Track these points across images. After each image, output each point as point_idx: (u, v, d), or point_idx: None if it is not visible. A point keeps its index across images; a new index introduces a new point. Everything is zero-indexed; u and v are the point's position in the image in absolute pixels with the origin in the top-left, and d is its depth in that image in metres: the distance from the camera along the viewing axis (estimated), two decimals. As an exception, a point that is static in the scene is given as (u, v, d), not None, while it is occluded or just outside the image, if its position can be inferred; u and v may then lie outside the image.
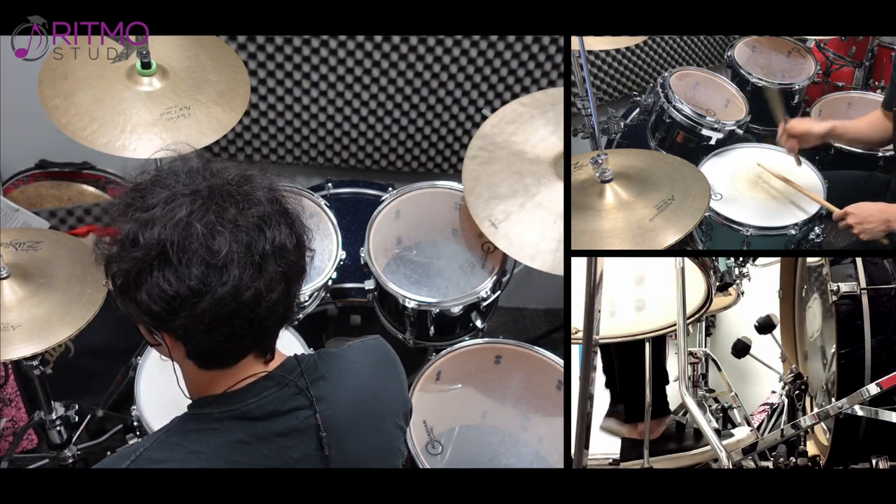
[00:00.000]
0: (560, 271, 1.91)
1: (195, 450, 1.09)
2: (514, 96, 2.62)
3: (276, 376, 1.15)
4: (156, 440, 1.12)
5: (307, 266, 1.15)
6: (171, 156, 1.16)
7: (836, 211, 1.81)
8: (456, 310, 2.14)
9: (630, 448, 1.94)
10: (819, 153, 2.18)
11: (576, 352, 1.90)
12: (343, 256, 2.20)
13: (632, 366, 1.92)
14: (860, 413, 1.59)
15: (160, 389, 1.90)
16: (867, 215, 1.75)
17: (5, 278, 1.82)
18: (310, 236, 1.15)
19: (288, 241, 1.08)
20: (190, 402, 1.17)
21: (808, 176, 1.99)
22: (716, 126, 2.17)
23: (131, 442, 2.08)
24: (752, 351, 1.94)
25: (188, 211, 1.02)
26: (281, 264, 1.07)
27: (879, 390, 1.57)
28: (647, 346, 1.86)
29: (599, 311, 1.51)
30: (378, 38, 2.47)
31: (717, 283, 1.76)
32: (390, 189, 2.48)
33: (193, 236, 1.01)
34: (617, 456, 1.97)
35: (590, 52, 2.39)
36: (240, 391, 1.12)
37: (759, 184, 1.99)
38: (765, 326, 1.88)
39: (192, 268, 1.01)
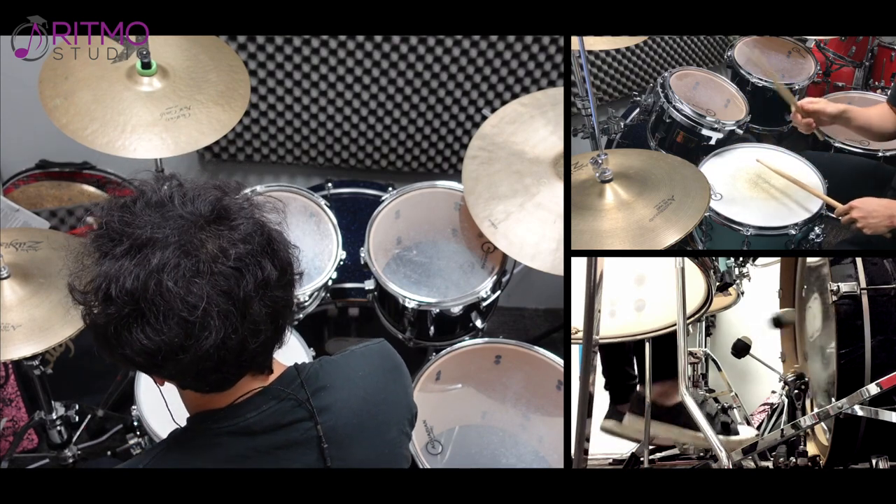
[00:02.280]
0: (560, 271, 1.91)
1: (195, 465, 1.09)
2: (514, 96, 2.62)
3: (274, 390, 1.12)
4: (155, 455, 1.11)
5: (293, 293, 1.09)
6: (143, 179, 1.07)
7: (840, 206, 1.80)
8: (456, 310, 2.14)
9: (640, 403, 1.92)
10: (819, 153, 2.18)
11: (576, 352, 1.90)
12: (343, 256, 2.20)
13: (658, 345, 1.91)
14: (860, 413, 1.59)
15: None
16: (872, 210, 1.73)
17: (5, 278, 1.82)
18: (297, 260, 1.10)
19: (272, 276, 1.02)
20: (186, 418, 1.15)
21: (808, 175, 1.99)
22: (716, 126, 2.17)
23: (131, 441, 2.09)
24: (752, 351, 1.94)
25: (159, 262, 0.95)
26: (266, 303, 1.01)
27: (879, 390, 1.57)
28: (647, 346, 1.86)
29: (599, 311, 1.51)
30: (378, 38, 2.47)
31: (717, 283, 1.76)
32: (390, 189, 2.48)
33: (166, 291, 0.95)
34: (617, 456, 1.97)
35: (590, 52, 2.39)
36: (238, 406, 1.10)
37: (759, 184, 1.99)
38: (780, 321, 1.88)
39: (169, 323, 0.95)
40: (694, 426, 1.88)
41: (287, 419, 1.11)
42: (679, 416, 1.91)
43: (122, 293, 0.96)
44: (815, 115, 1.90)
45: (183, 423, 1.15)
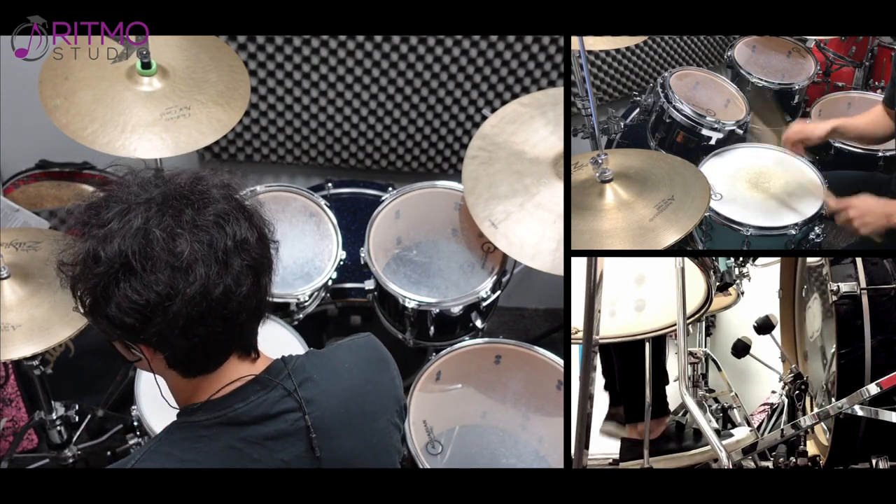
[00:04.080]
0: (560, 271, 1.91)
1: (186, 458, 1.09)
2: (514, 96, 2.62)
3: (262, 379, 1.14)
4: (146, 451, 1.11)
5: (274, 258, 1.15)
6: (120, 170, 1.15)
7: (833, 203, 1.80)
8: (456, 310, 2.14)
9: (630, 448, 1.94)
10: (819, 153, 2.18)
11: (576, 352, 1.90)
12: (343, 256, 2.20)
13: (631, 366, 1.92)
14: (860, 413, 1.59)
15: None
16: (869, 209, 1.73)
17: (5, 278, 1.82)
18: (271, 229, 1.15)
19: (249, 235, 1.08)
20: (178, 410, 1.16)
21: (808, 175, 1.99)
22: (716, 126, 2.17)
23: (131, 441, 2.09)
24: (752, 351, 1.94)
25: (144, 219, 1.02)
26: (245, 258, 1.06)
27: (879, 390, 1.57)
28: (647, 346, 1.86)
29: (599, 311, 1.51)
30: (378, 38, 2.47)
31: (717, 283, 1.76)
32: (390, 189, 2.48)
33: (153, 242, 1.01)
34: (617, 456, 1.97)
35: (590, 52, 2.39)
36: (226, 396, 1.12)
37: (759, 184, 1.99)
38: (763, 327, 1.88)
39: (157, 273, 1.00)
40: (686, 447, 1.89)
41: (275, 409, 1.13)
42: (668, 443, 1.92)
43: (111, 252, 1.00)
44: (802, 143, 1.92)
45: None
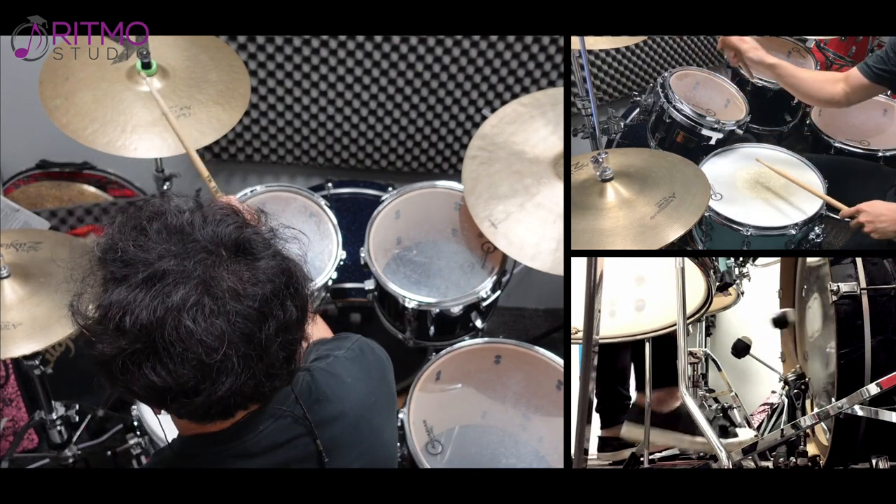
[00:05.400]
0: (560, 271, 1.91)
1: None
2: (514, 96, 2.62)
3: (270, 409, 1.08)
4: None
5: (306, 330, 1.03)
6: (159, 200, 1.01)
7: (845, 209, 1.78)
8: (456, 310, 2.14)
9: (638, 413, 1.92)
10: (819, 153, 2.18)
11: (576, 352, 1.90)
12: (343, 256, 2.20)
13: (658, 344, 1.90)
14: (860, 413, 1.59)
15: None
16: (880, 213, 1.70)
17: (6, 278, 1.83)
18: (313, 294, 1.07)
19: (293, 317, 0.97)
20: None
21: (808, 175, 1.99)
22: (716, 126, 2.17)
23: (131, 441, 2.09)
24: (752, 351, 1.94)
25: (181, 297, 0.89)
26: (284, 347, 0.96)
27: (879, 390, 1.57)
28: (647, 346, 1.86)
29: (599, 311, 1.51)
30: (378, 38, 2.47)
31: (717, 283, 1.76)
32: (390, 189, 2.48)
33: (185, 330, 0.88)
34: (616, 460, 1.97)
35: (590, 52, 2.39)
36: (235, 430, 1.06)
37: (759, 184, 1.99)
38: (781, 321, 1.88)
39: (185, 366, 0.89)
40: (691, 431, 1.89)
41: (284, 437, 1.10)
42: (676, 421, 1.92)
43: (136, 326, 0.89)
44: (737, 50, 1.85)
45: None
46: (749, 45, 1.85)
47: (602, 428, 2.00)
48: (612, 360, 1.87)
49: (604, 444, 1.97)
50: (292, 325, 0.97)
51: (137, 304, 0.89)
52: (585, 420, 1.53)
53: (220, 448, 1.07)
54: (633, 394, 2.05)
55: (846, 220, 1.77)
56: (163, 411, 1.02)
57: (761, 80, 2.35)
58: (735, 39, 1.85)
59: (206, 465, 1.07)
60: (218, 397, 0.92)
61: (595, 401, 2.02)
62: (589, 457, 1.94)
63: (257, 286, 0.93)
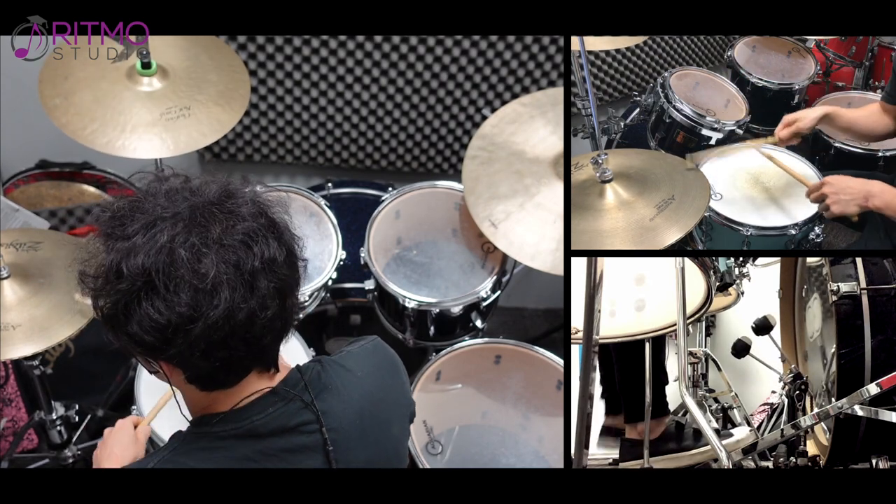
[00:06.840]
0: (560, 271, 1.91)
1: (200, 468, 1.08)
2: (514, 96, 2.62)
3: (280, 391, 1.12)
4: (161, 459, 1.10)
5: (301, 276, 1.11)
6: (148, 177, 1.10)
7: (811, 184, 1.76)
8: (456, 310, 2.14)
9: (629, 448, 1.94)
10: (819, 153, 2.18)
11: (576, 352, 1.90)
12: (343, 256, 2.20)
13: (631, 366, 1.92)
14: (860, 413, 1.59)
15: (160, 389, 1.90)
16: (847, 186, 1.66)
17: (6, 278, 1.82)
18: (300, 246, 1.11)
19: (278, 255, 1.04)
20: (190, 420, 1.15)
21: (805, 172, 1.99)
22: (716, 126, 2.17)
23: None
24: (752, 351, 1.94)
25: (170, 235, 0.98)
26: (272, 280, 1.03)
27: (879, 390, 1.57)
28: (647, 346, 1.86)
29: (599, 311, 1.51)
30: (378, 38, 2.47)
31: (717, 283, 1.76)
32: (390, 189, 2.48)
33: (178, 261, 0.97)
34: (617, 456, 1.97)
35: (590, 52, 2.39)
36: (244, 408, 1.10)
37: (759, 184, 1.99)
38: (762, 328, 1.88)
39: (180, 294, 0.97)
40: (686, 447, 1.89)
41: (293, 422, 1.11)
42: (666, 442, 1.92)
43: (134, 268, 0.97)
44: (796, 133, 1.87)
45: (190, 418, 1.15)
46: (792, 118, 1.88)
47: (627, 423, 1.98)
48: (639, 357, 1.86)
49: (630, 448, 1.95)
50: (278, 261, 1.04)
51: (134, 248, 0.98)
52: (585, 420, 1.53)
53: (226, 426, 1.09)
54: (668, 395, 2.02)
55: (810, 195, 1.74)
56: (173, 386, 1.10)
57: (761, 79, 2.36)
58: (786, 122, 1.87)
59: (212, 443, 1.09)
60: (214, 322, 0.98)
61: (601, 388, 2.03)
62: (608, 460, 1.95)
63: (240, 223, 1.02)
